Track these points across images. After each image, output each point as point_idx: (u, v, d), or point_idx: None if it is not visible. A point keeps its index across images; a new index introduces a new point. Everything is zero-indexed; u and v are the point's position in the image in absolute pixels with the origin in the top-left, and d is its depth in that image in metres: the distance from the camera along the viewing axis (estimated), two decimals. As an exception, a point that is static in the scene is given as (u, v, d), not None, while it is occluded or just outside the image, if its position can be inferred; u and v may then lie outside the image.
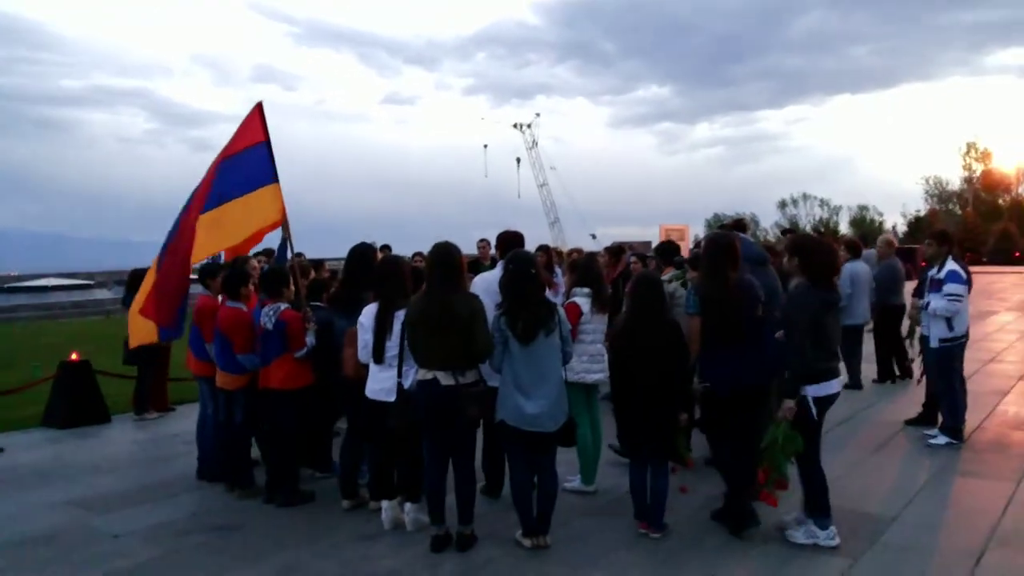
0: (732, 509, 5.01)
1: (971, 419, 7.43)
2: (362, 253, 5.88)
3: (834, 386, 4.76)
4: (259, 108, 6.18)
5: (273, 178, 6.04)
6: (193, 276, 6.60)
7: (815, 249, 4.90)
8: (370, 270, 5.63)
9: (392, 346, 5.05)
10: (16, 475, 7.02)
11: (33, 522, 5.69)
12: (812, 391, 4.64)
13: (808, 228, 78.65)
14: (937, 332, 6.93)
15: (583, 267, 6.05)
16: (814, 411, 4.64)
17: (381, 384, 5.13)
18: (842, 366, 5.33)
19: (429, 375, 4.77)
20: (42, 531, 5.49)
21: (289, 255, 6.41)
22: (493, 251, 7.54)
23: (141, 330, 6.42)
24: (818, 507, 4.77)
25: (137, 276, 9.34)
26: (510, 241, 5.74)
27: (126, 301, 9.70)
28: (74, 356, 9.44)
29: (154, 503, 6.05)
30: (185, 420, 7.57)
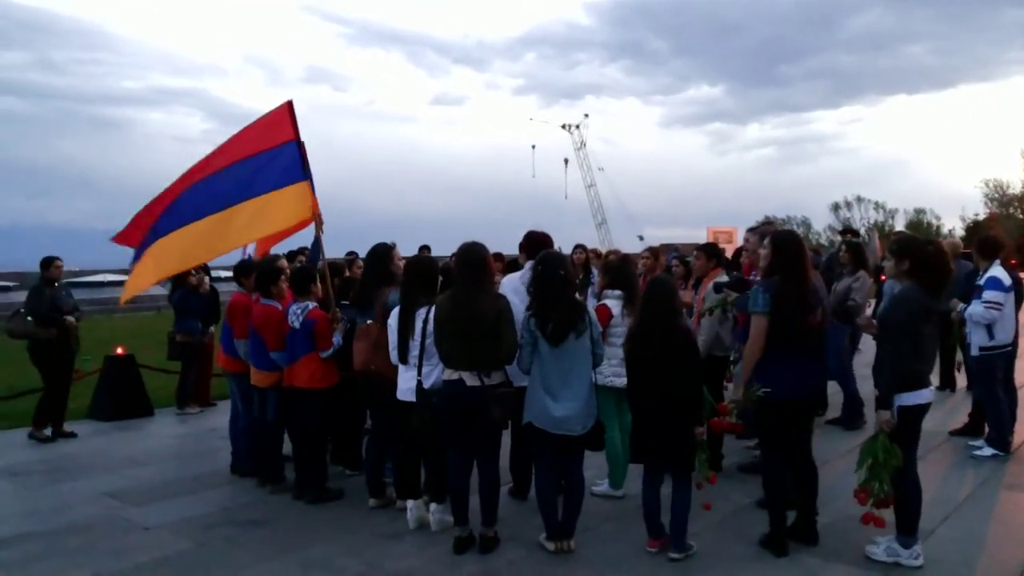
0: (774, 533, 4.76)
1: (1020, 430, 7.18)
2: (378, 253, 5.91)
3: (924, 395, 4.49)
4: (289, 106, 6.24)
5: (304, 176, 6.10)
6: (228, 274, 6.74)
7: (932, 254, 4.57)
8: (386, 269, 5.69)
9: (415, 345, 5.05)
10: (59, 466, 7.21)
11: (69, 512, 5.82)
12: (900, 400, 4.42)
13: (863, 232, 76.98)
14: (978, 340, 6.72)
15: (615, 269, 5.95)
16: (894, 421, 4.41)
17: (407, 384, 5.14)
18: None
19: (455, 375, 4.76)
20: (77, 521, 5.62)
21: (320, 254, 6.49)
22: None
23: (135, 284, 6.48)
24: (906, 524, 4.53)
25: (180, 274, 9.56)
26: (537, 242, 5.68)
27: (171, 298, 9.93)
28: (119, 350, 9.66)
29: (187, 496, 6.15)
30: (224, 415, 7.68)
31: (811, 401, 4.75)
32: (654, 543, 4.79)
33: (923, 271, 4.51)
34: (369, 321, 5.54)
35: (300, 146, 6.19)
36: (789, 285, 4.62)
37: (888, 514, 4.55)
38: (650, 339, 4.71)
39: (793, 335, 4.60)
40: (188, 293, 9.44)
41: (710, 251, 6.72)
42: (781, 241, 4.81)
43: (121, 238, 6.64)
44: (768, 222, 7.16)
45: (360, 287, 6.01)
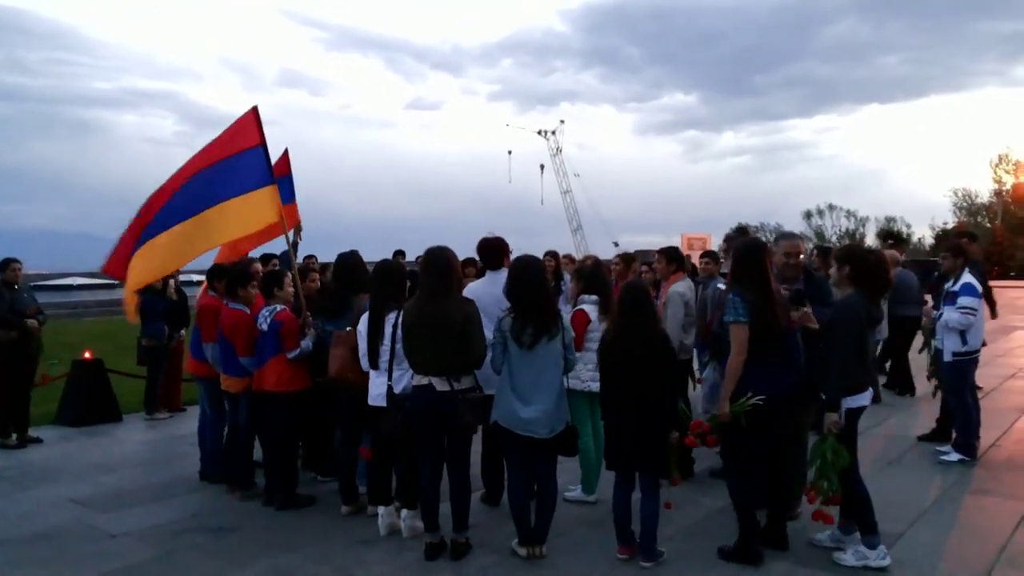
0: (747, 542, 4.71)
1: (987, 436, 7.28)
2: (348, 261, 5.89)
3: (865, 398, 4.67)
4: (254, 112, 6.27)
5: (270, 180, 6.10)
6: (198, 277, 6.77)
7: (873, 263, 4.72)
8: (356, 276, 5.71)
9: (385, 351, 5.04)
10: (25, 472, 7.10)
11: (36, 520, 5.73)
12: (846, 403, 4.55)
13: (834, 239, 77.91)
14: (951, 346, 6.79)
15: (589, 274, 5.96)
16: (842, 422, 4.53)
17: (378, 389, 5.13)
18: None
19: (424, 380, 4.74)
20: (43, 529, 5.52)
21: (293, 259, 6.47)
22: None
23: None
24: (864, 525, 4.61)
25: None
26: (491, 248, 5.69)
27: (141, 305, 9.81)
28: (87, 355, 9.53)
29: (155, 503, 6.07)
30: (194, 421, 7.59)
31: (792, 398, 4.74)
32: (624, 550, 4.78)
33: (863, 278, 4.66)
34: (348, 328, 5.51)
35: (265, 150, 6.18)
36: (757, 291, 4.66)
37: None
38: (629, 345, 4.68)
39: (769, 339, 4.62)
40: (152, 297, 9.33)
41: (671, 254, 6.72)
42: (743, 250, 4.87)
43: (111, 268, 6.54)
44: (742, 229, 7.17)
45: (329, 295, 5.98)
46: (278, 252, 8.08)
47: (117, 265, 6.34)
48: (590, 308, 5.72)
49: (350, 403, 5.49)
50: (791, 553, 4.79)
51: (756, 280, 4.69)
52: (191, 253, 6.15)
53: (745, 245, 4.97)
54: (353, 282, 5.73)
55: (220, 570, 4.75)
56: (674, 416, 4.72)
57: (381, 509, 5.28)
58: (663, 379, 4.66)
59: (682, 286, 6.44)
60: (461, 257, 5.39)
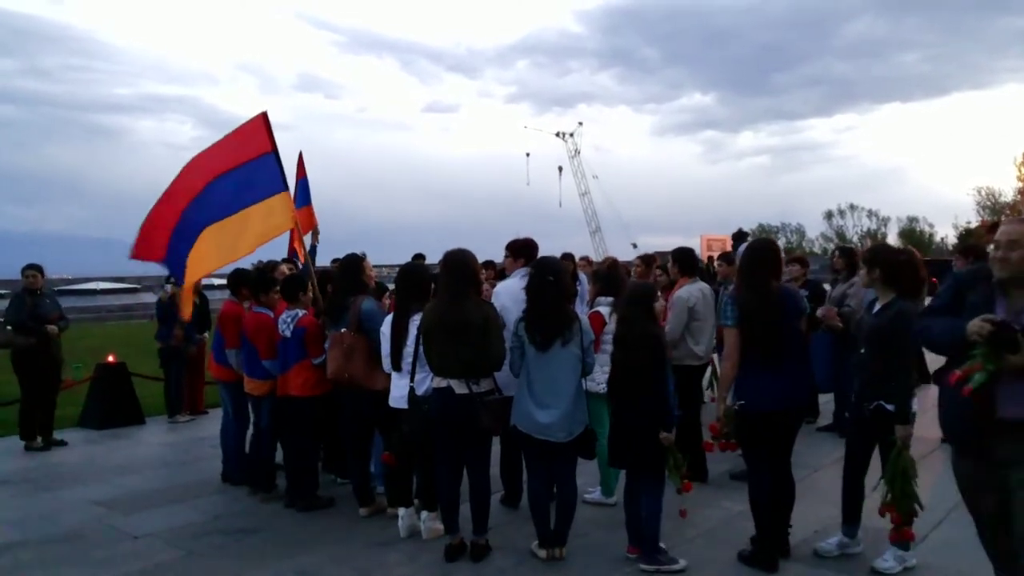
0: (763, 547, 4.67)
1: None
2: (350, 263, 5.92)
3: (914, 404, 4.56)
4: (264, 117, 6.22)
5: (283, 187, 6.10)
6: (221, 281, 6.77)
7: (903, 262, 4.58)
8: (358, 279, 5.74)
9: (408, 353, 5.05)
10: (49, 474, 7.20)
11: (60, 521, 5.80)
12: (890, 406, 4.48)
13: (856, 239, 77.30)
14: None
15: (605, 276, 5.96)
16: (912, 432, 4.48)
17: (400, 391, 5.14)
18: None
19: (443, 383, 4.75)
20: (67, 530, 5.59)
21: (311, 263, 6.51)
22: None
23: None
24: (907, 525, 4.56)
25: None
26: (522, 248, 5.71)
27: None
28: (110, 358, 9.64)
29: (177, 505, 6.13)
30: (216, 423, 7.66)
31: (788, 412, 4.62)
32: (633, 550, 4.77)
33: (895, 279, 4.53)
34: (343, 329, 5.54)
35: (277, 157, 6.18)
36: (749, 294, 4.59)
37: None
38: (625, 344, 4.72)
39: (760, 345, 4.52)
40: (159, 301, 9.60)
41: (678, 258, 6.61)
42: (745, 251, 4.87)
43: (143, 254, 6.48)
44: (741, 234, 7.07)
45: (332, 297, 6.02)
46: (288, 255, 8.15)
47: (150, 251, 6.31)
48: (605, 310, 5.71)
49: (352, 402, 5.55)
50: (811, 556, 4.77)
51: (748, 282, 4.67)
52: (215, 264, 6.17)
53: (750, 246, 4.96)
54: (350, 284, 5.75)
55: (242, 571, 4.79)
56: (664, 417, 4.65)
57: (401, 511, 5.29)
58: (650, 380, 4.63)
59: (686, 291, 6.30)
60: (480, 260, 5.41)
